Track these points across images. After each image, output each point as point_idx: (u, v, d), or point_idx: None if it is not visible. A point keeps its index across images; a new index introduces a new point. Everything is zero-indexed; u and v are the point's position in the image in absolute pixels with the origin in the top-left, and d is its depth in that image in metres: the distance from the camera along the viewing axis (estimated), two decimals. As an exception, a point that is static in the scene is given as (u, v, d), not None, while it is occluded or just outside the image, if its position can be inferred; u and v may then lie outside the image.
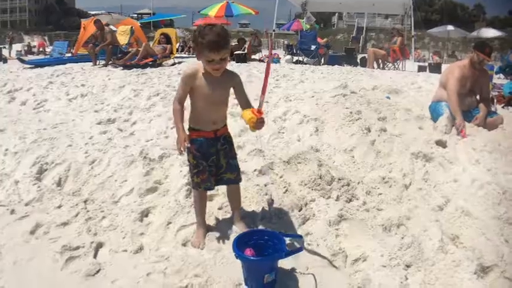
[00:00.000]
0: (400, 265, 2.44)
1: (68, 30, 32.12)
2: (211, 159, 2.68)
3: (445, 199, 3.14)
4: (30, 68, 10.82)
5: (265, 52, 18.67)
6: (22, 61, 11.88)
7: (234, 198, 2.91)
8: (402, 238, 2.64)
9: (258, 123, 2.29)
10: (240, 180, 2.86)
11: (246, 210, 3.04)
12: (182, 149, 2.56)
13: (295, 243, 2.48)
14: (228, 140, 2.76)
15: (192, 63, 10.53)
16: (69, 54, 14.05)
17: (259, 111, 2.30)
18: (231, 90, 2.66)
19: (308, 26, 16.54)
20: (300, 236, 2.42)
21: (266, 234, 2.43)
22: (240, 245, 2.24)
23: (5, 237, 2.90)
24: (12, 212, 3.26)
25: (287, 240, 2.37)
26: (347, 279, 2.33)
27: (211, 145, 2.66)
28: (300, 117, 4.93)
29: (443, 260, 2.46)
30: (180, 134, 2.57)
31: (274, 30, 15.94)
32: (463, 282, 2.29)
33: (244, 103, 2.61)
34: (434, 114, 4.78)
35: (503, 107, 5.25)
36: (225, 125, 2.75)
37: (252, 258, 2.24)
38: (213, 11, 18.87)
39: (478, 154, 3.74)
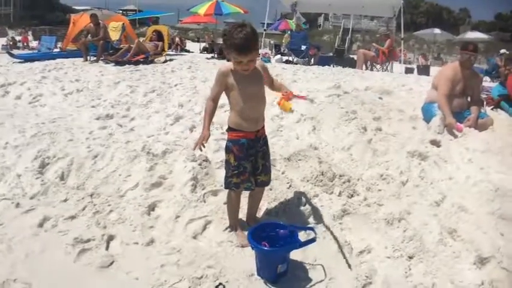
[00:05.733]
0: (403, 256, 2.58)
1: (52, 25, 31.58)
2: (250, 159, 2.69)
3: (442, 195, 3.27)
4: (20, 62, 10.70)
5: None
6: (11, 55, 11.72)
7: (258, 199, 2.95)
8: (404, 231, 2.77)
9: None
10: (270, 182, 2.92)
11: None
12: (200, 146, 2.56)
13: (307, 235, 2.58)
14: (265, 141, 2.81)
15: (184, 61, 10.52)
16: (57, 49, 13.90)
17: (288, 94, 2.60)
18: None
19: (294, 26, 16.63)
20: (312, 228, 2.53)
21: (278, 226, 2.53)
22: (254, 237, 2.33)
23: (13, 230, 2.93)
24: (18, 205, 3.29)
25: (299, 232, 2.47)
26: (354, 270, 2.45)
27: (252, 146, 2.68)
28: (297, 116, 5.03)
29: (444, 252, 2.60)
30: (204, 131, 2.58)
31: (265, 30, 15.96)
32: (463, 272, 2.43)
33: (272, 82, 2.83)
34: (427, 115, 4.92)
35: (492, 109, 5.44)
36: (264, 125, 2.79)
37: (267, 249, 2.33)
38: (202, 9, 18.86)
39: (470, 154, 3.89)
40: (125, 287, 2.38)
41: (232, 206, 2.85)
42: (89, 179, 3.72)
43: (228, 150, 2.69)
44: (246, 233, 2.73)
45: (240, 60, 2.45)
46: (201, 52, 19.77)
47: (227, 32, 2.47)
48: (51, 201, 3.39)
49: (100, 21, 10.84)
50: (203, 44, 23.37)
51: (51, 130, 4.68)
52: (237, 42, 2.39)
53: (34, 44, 19.46)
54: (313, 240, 2.36)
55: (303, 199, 3.16)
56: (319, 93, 6.12)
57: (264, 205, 3.12)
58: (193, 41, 32.94)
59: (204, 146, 2.59)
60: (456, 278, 2.40)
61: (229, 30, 2.45)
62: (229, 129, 2.70)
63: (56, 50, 13.87)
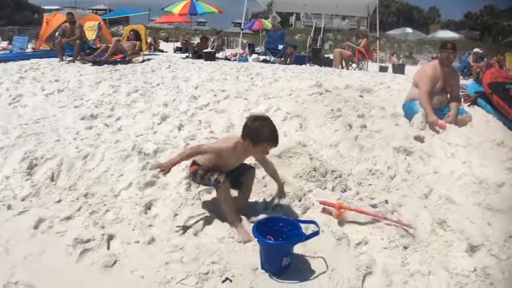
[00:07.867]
0: (398, 247, 2.70)
1: (20, 25, 30.78)
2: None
3: (429, 188, 3.43)
4: (-8, 63, 10.41)
5: (230, 51, 18.85)
6: (-17, 56, 11.41)
7: (250, 186, 3.12)
8: (399, 223, 2.89)
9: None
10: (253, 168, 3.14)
11: (249, 201, 3.19)
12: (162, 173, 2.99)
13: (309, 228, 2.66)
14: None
15: (162, 60, 10.34)
16: (30, 50, 13.59)
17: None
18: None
19: (270, 26, 16.70)
20: (314, 222, 2.60)
21: (280, 221, 2.60)
22: (258, 231, 2.39)
23: (8, 232, 2.89)
24: (9, 207, 3.24)
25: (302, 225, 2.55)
26: (354, 261, 2.54)
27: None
28: (283, 114, 5.13)
29: (436, 242, 2.74)
30: (168, 164, 2.92)
31: (242, 30, 15.99)
32: (457, 259, 2.58)
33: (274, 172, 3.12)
34: (409, 112, 5.08)
35: (469, 106, 5.65)
36: None
37: (275, 242, 2.40)
38: (177, 9, 18.77)
39: (453, 148, 4.07)
40: (132, 285, 2.39)
41: (227, 202, 2.90)
42: (80, 179, 3.69)
43: (202, 172, 2.93)
44: (247, 228, 2.80)
45: (268, 150, 2.78)
46: (174, 52, 19.63)
47: (254, 124, 2.69)
48: (44, 202, 3.36)
49: (75, 20, 10.66)
50: (176, 44, 23.20)
51: (36, 131, 4.62)
52: (273, 137, 2.69)
53: (3, 44, 18.89)
54: (317, 233, 2.43)
55: (298, 194, 3.24)
56: (302, 91, 6.24)
57: (260, 200, 3.19)
58: (163, 40, 32.63)
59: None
60: (450, 265, 2.53)
61: (258, 126, 2.68)
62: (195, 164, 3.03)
63: (28, 50, 13.56)
